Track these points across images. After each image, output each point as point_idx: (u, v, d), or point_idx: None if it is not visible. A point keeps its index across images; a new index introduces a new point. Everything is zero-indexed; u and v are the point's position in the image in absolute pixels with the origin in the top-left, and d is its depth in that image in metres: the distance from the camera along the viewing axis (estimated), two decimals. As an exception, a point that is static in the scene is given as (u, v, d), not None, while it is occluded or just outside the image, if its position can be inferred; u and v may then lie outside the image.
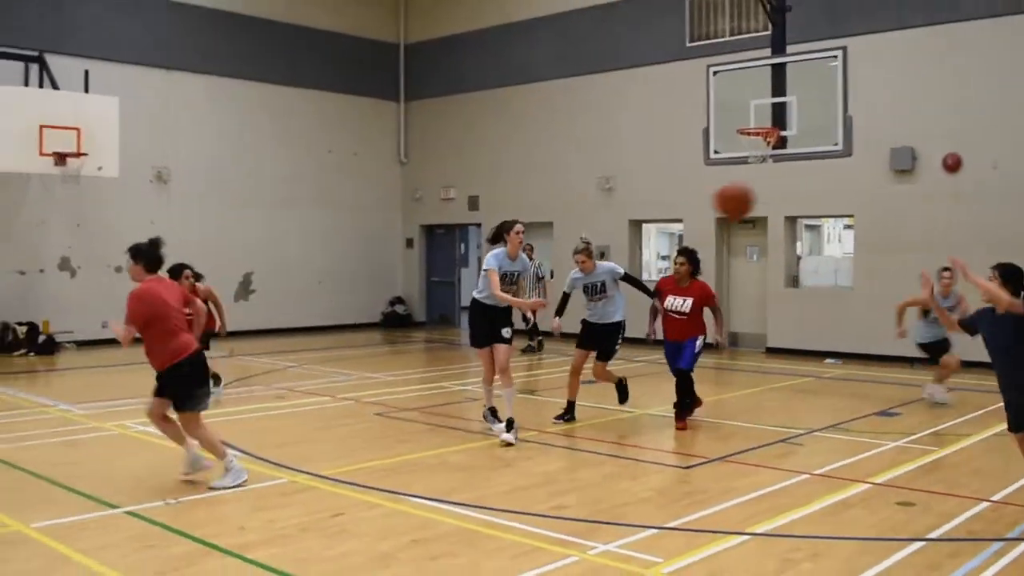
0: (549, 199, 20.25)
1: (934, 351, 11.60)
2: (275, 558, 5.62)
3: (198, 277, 11.54)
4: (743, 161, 16.61)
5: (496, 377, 9.29)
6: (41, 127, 15.40)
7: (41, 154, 15.40)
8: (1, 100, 15.30)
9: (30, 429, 9.77)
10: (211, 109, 19.73)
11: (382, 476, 7.71)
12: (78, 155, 15.66)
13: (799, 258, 17.74)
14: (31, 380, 14.10)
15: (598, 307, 10.03)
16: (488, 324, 9.28)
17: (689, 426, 9.85)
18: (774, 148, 16.23)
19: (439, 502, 6.89)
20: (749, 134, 15.99)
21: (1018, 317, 5.89)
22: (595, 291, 10.00)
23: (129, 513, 6.63)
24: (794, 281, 17.36)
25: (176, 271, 11.21)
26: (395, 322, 22.75)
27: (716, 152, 17.43)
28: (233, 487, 7.21)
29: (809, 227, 19.35)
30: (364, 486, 7.36)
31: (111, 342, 16.63)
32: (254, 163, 20.36)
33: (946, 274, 11.30)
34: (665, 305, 9.84)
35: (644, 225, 19.73)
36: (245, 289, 20.30)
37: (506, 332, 9.23)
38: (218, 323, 11.59)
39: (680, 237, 19.19)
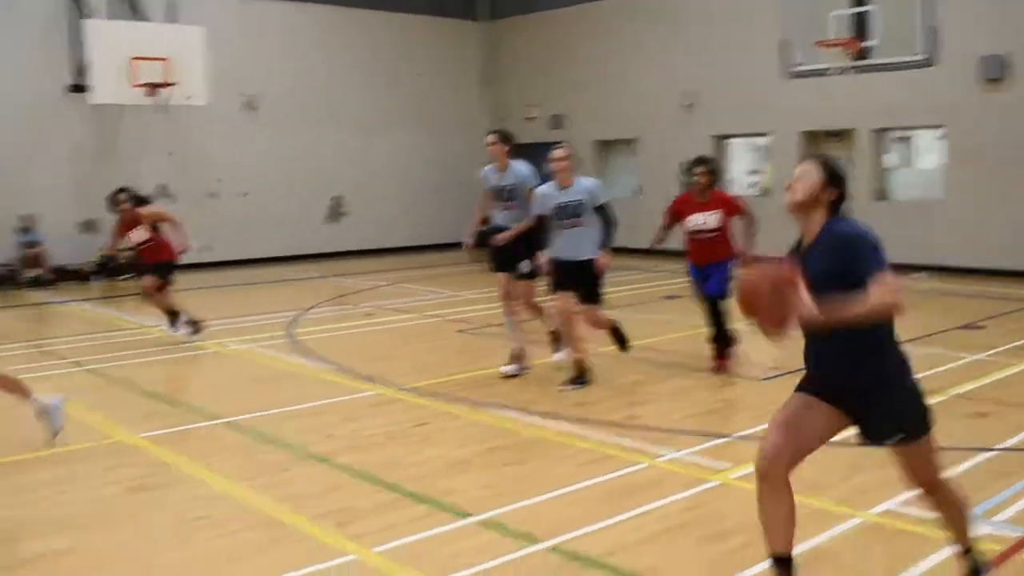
0: (632, 116, 20.11)
1: None
2: (361, 463, 5.99)
3: (140, 201, 10.82)
4: (823, 73, 16.30)
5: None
6: (131, 59, 15.88)
7: (132, 85, 15.91)
8: (92, 33, 15.83)
9: (135, 348, 10.35)
10: (295, 34, 19.98)
11: (463, 389, 8.03)
12: (168, 85, 16.13)
13: (888, 170, 17.39)
14: (135, 303, 14.77)
15: (570, 237, 7.97)
16: (499, 250, 8.57)
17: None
18: (855, 59, 15.88)
19: (516, 412, 7.19)
20: (829, 46, 15.67)
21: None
22: (570, 213, 7.94)
23: (227, 424, 7.09)
24: (882, 194, 17.06)
25: (112, 199, 10.67)
26: (483, 241, 22.95)
27: (797, 64, 17.15)
28: None
29: (901, 139, 18.89)
30: (446, 397, 7.70)
31: (209, 265, 17.37)
32: (340, 87, 20.62)
33: None
34: (688, 226, 8.50)
35: (729, 141, 19.51)
36: (335, 212, 20.76)
37: (524, 266, 8.36)
38: (176, 249, 10.67)
39: (767, 151, 18.95)
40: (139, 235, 10.60)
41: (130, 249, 10.67)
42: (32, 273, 16.36)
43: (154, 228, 10.72)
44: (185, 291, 15.34)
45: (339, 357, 9.39)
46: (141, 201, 10.87)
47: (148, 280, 10.67)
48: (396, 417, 7.23)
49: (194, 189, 18.39)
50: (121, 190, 10.72)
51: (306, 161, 20.04)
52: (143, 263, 10.84)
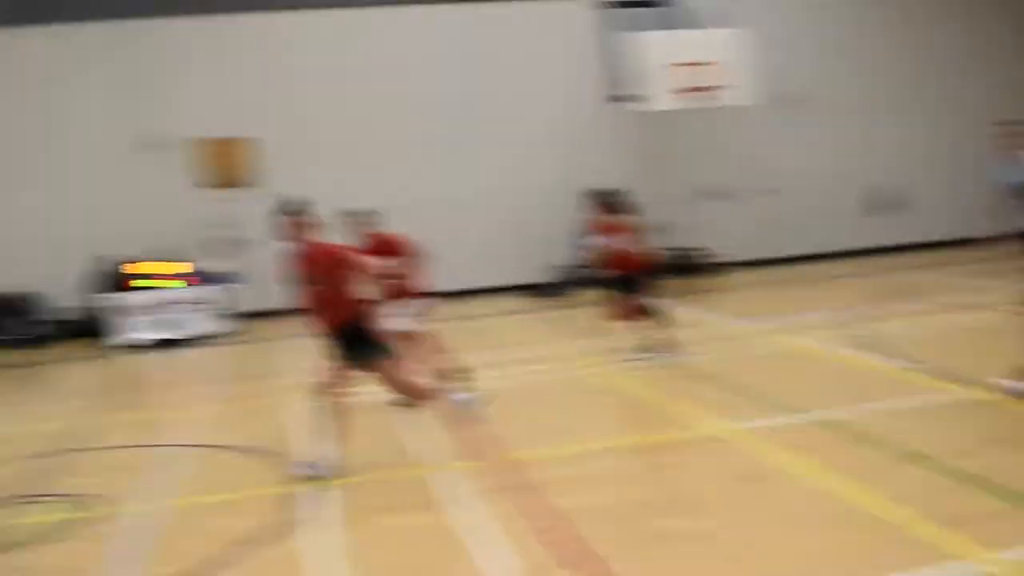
0: None
1: None
2: (965, 466, 5.80)
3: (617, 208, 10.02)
4: None
5: None
6: (674, 65, 16.72)
7: (682, 90, 16.78)
8: (634, 45, 16.93)
9: (712, 343, 10.89)
10: (833, 27, 19.66)
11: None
12: (715, 88, 16.78)
13: None
14: (705, 299, 15.23)
15: None
16: None
17: None
18: None
19: None
20: None
21: None
22: None
23: (813, 420, 7.28)
24: None
25: (607, 202, 9.98)
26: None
27: None
28: None
29: None
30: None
31: (770, 262, 17.73)
32: (882, 76, 19.79)
33: None
34: None
35: None
36: (890, 205, 19.92)
37: None
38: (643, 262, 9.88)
39: None
40: (617, 242, 9.88)
41: (597, 252, 10.10)
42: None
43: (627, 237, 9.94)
44: (746, 288, 15.88)
45: (911, 353, 9.18)
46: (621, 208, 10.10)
47: (622, 303, 10.03)
48: (991, 420, 6.91)
49: (751, 187, 18.92)
50: (614, 192, 10.11)
51: (854, 153, 19.70)
52: (609, 270, 10.08)
